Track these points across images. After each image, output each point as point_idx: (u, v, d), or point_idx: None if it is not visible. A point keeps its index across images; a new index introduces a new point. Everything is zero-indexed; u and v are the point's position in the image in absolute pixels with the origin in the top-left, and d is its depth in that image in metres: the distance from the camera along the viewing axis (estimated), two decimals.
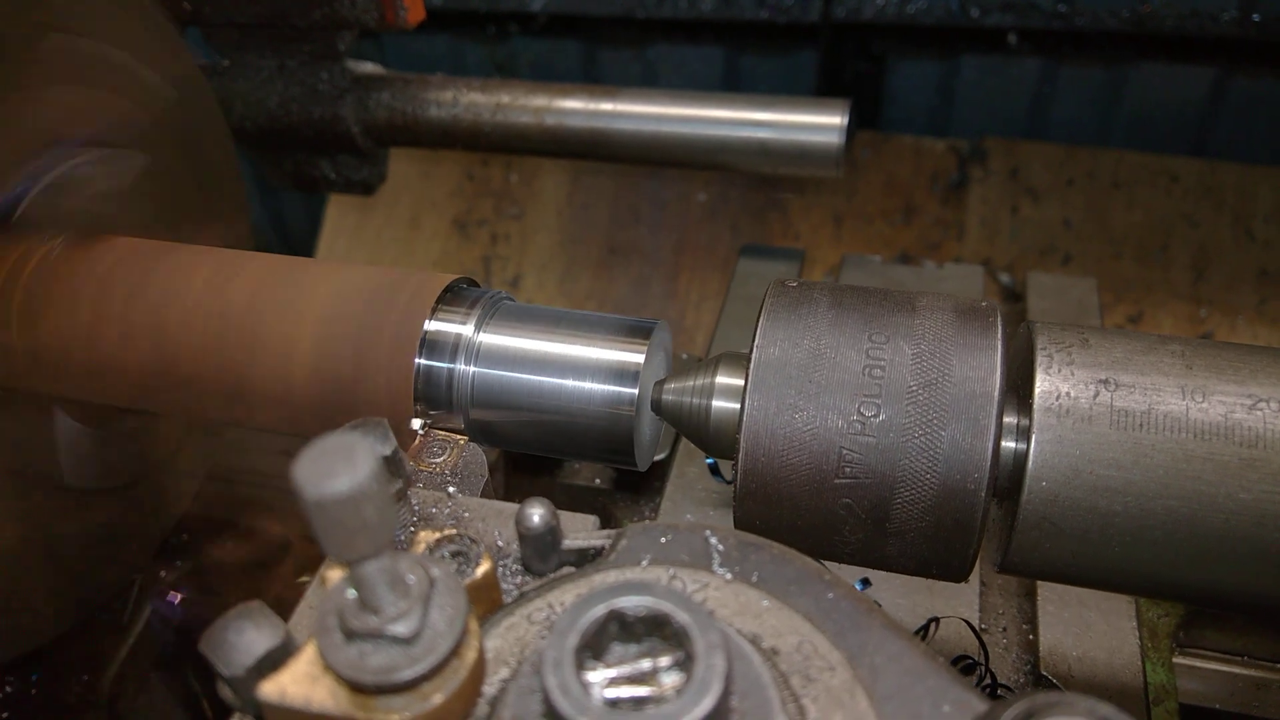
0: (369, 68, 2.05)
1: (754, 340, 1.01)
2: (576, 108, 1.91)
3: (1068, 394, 0.94)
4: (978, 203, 2.89)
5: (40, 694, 1.73)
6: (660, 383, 1.14)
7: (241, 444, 2.01)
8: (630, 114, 1.90)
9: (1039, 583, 1.50)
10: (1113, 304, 2.70)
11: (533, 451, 1.20)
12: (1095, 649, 1.42)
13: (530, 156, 2.24)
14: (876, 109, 3.06)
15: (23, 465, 1.35)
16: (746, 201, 3.09)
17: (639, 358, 1.12)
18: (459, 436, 1.13)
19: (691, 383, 1.12)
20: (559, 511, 0.83)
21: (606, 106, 1.90)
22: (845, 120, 1.82)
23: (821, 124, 1.82)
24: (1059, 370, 0.95)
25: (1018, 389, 1.02)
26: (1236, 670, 1.49)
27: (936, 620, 1.44)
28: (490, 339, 1.15)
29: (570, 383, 1.12)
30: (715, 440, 1.10)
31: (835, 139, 1.82)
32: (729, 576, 0.78)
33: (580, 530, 0.86)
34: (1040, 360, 0.97)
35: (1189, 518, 0.91)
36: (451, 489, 0.99)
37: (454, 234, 3.25)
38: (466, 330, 1.15)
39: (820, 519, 0.99)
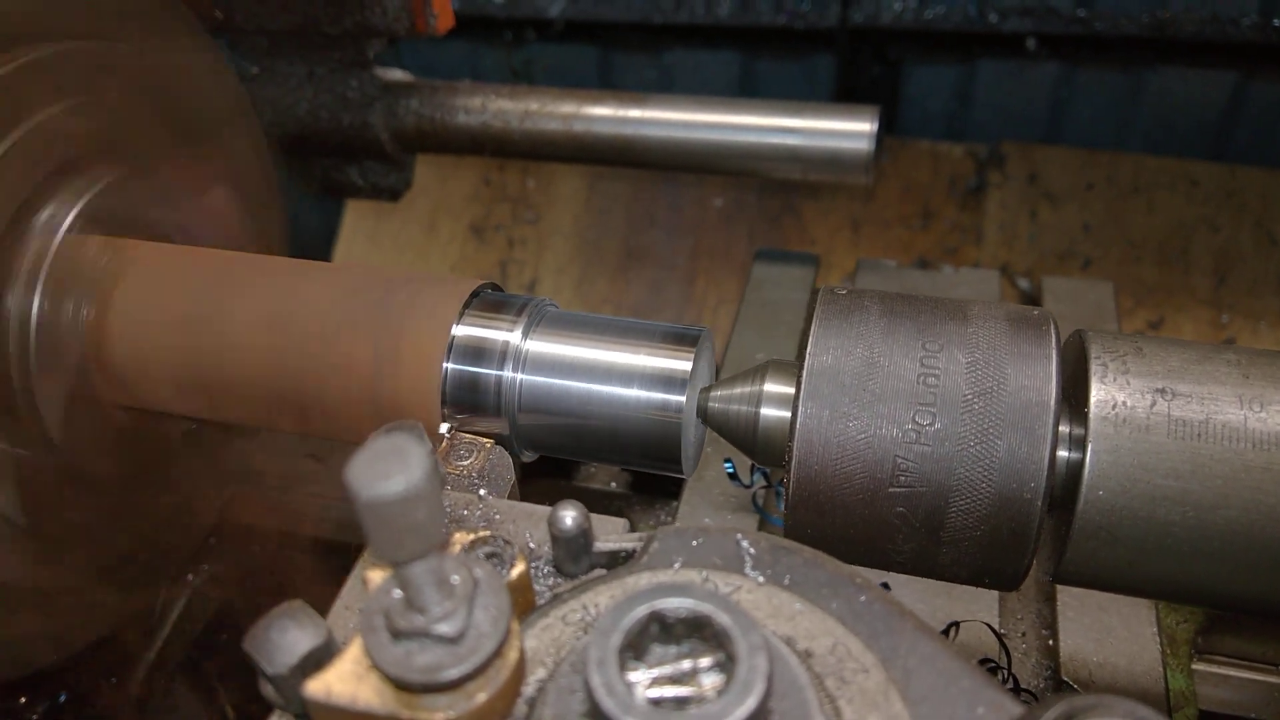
0: (397, 75, 2.06)
1: (806, 348, 1.01)
2: (605, 114, 1.91)
3: (1124, 403, 0.94)
4: (996, 207, 2.89)
5: (70, 698, 1.73)
6: (706, 390, 1.14)
7: (268, 448, 2.01)
8: (659, 120, 1.90)
9: (1059, 588, 1.50)
10: (1133, 309, 2.70)
11: (578, 458, 1.21)
12: (1116, 655, 1.41)
13: (548, 162, 2.25)
14: (893, 114, 3.07)
15: (58, 461, 1.35)
16: (763, 207, 3.09)
17: (687, 365, 1.12)
18: (485, 440, 1.13)
19: (738, 390, 1.12)
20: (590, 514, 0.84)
21: (635, 113, 1.90)
22: (875, 127, 1.83)
23: (851, 130, 1.83)
24: (1114, 379, 0.96)
25: (1069, 398, 1.02)
26: (1258, 677, 1.49)
27: (957, 625, 1.44)
28: (538, 346, 1.15)
29: (619, 390, 1.12)
30: (763, 448, 1.10)
31: (865, 145, 1.82)
32: (761, 580, 0.79)
33: (611, 533, 0.87)
34: (1095, 369, 0.97)
35: (1247, 528, 0.91)
36: (482, 491, 1.00)
37: (470, 239, 3.26)
38: (514, 337, 1.15)
39: (873, 528, 0.99)
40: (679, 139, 1.90)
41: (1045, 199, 2.86)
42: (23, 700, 1.69)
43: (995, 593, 1.50)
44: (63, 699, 1.74)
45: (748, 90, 3.13)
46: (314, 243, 3.60)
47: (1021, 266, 2.80)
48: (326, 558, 1.96)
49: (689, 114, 1.90)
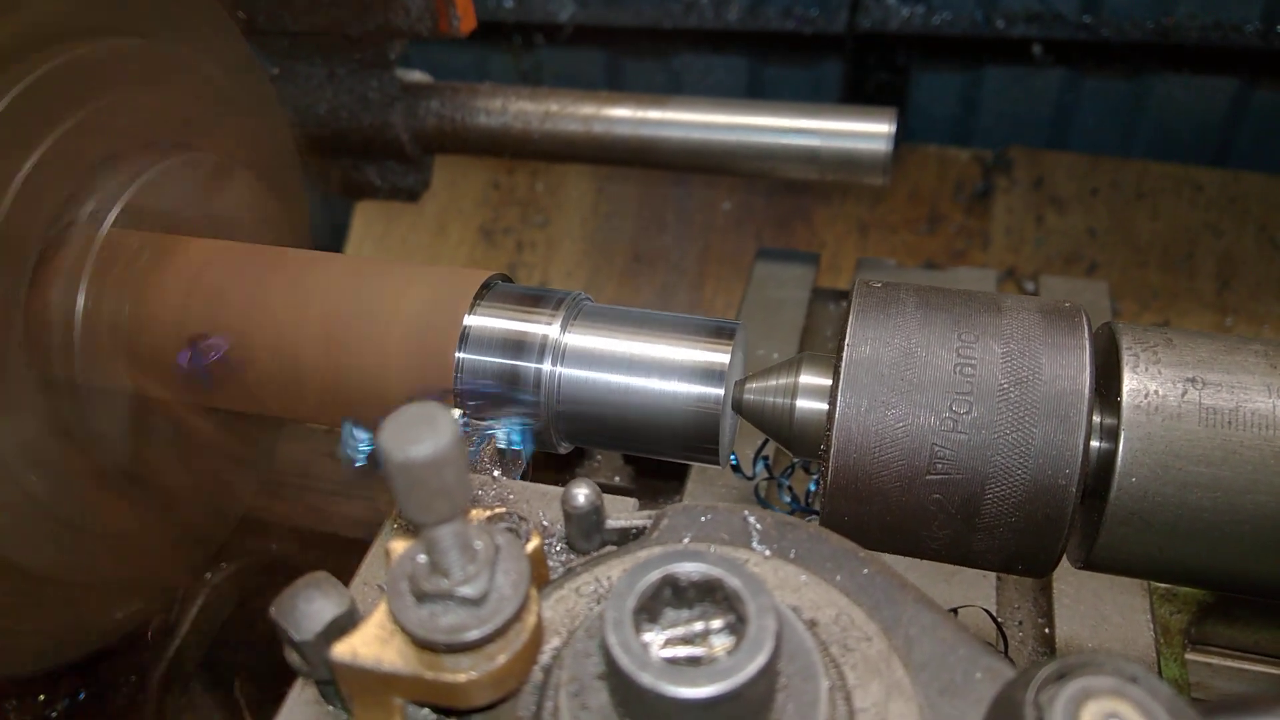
0: (417, 76, 2.08)
1: (844, 339, 1.03)
2: (625, 116, 1.94)
3: (1156, 392, 0.97)
4: (1002, 212, 2.93)
5: (89, 696, 1.74)
6: (740, 382, 1.16)
7: (287, 445, 2.02)
8: (678, 122, 1.92)
9: (1055, 577, 1.52)
10: (1138, 312, 2.74)
11: (615, 449, 1.22)
12: (1111, 642, 1.43)
13: (567, 163, 2.27)
14: (900, 119, 3.09)
15: (96, 455, 1.37)
16: (771, 210, 3.12)
17: (724, 358, 1.14)
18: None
19: (773, 382, 1.14)
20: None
21: (655, 115, 1.93)
22: (893, 128, 1.86)
23: (869, 132, 1.85)
24: (1146, 369, 0.98)
25: (1099, 388, 1.04)
26: (1251, 667, 1.51)
27: (955, 611, 1.46)
28: (577, 340, 1.17)
29: (658, 383, 1.14)
30: (799, 439, 1.12)
31: (883, 146, 1.85)
32: (768, 553, 0.81)
33: (622, 511, 0.90)
34: (1127, 359, 0.99)
35: (1276, 513, 0.93)
36: (496, 473, 1.02)
37: (480, 241, 3.28)
38: (553, 331, 1.17)
39: (910, 515, 1.01)
40: (698, 140, 1.93)
41: (1051, 204, 2.90)
42: (42, 698, 1.70)
43: (993, 580, 1.52)
44: (82, 696, 1.74)
45: (755, 95, 3.16)
46: (323, 245, 3.61)
47: (1028, 270, 2.84)
48: (345, 555, 1.97)
49: (708, 115, 1.92)
